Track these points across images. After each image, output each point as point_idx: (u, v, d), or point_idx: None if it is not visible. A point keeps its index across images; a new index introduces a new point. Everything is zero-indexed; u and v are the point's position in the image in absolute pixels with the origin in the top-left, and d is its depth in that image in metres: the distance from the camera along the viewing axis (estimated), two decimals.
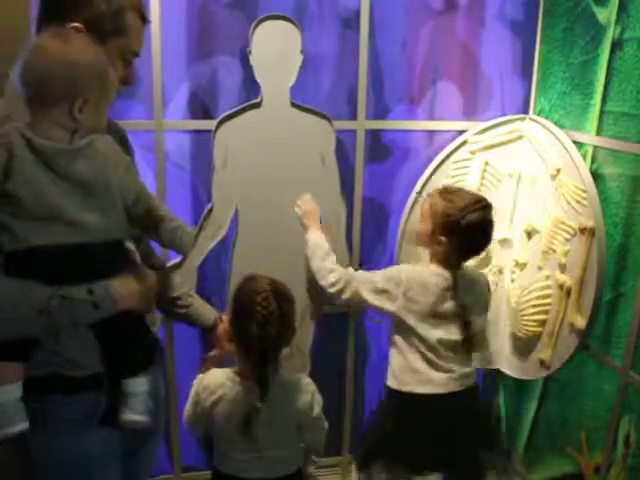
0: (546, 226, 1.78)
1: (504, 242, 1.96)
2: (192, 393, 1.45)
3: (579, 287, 1.66)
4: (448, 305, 1.60)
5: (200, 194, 1.86)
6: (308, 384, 1.46)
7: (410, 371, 1.62)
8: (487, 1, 1.89)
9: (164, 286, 1.49)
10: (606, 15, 1.64)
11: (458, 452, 1.64)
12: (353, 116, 1.87)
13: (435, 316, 1.60)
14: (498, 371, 2.08)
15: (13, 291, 1.01)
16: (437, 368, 1.61)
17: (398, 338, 1.65)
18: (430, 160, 1.93)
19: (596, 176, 1.67)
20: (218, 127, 1.73)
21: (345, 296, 1.66)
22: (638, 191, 1.56)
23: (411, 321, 1.60)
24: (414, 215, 1.86)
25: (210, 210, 1.77)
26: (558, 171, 1.74)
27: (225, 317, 1.57)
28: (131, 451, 1.28)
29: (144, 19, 1.18)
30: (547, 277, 1.78)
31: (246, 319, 1.33)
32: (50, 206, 1.00)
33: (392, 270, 1.66)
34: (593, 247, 1.62)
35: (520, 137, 1.91)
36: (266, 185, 1.79)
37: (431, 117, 1.96)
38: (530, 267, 1.87)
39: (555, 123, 1.82)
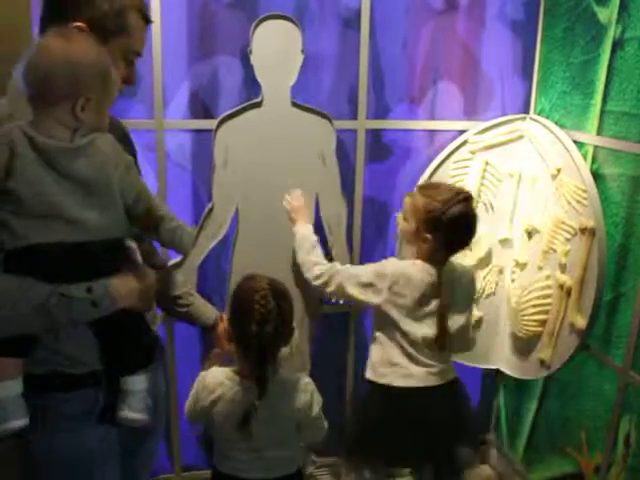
0: (546, 226, 1.78)
1: (504, 242, 1.96)
2: (193, 391, 1.45)
3: (579, 287, 1.66)
4: (433, 301, 1.60)
5: (201, 193, 1.87)
6: (307, 384, 1.45)
7: (390, 365, 1.63)
8: (488, 1, 1.90)
9: (165, 285, 1.49)
10: (607, 15, 1.64)
11: (434, 446, 1.65)
12: (354, 116, 1.87)
13: (419, 311, 1.59)
14: (498, 371, 2.09)
15: (12, 288, 1.01)
16: (417, 363, 1.61)
17: (380, 332, 1.65)
18: (430, 160, 1.94)
19: (597, 176, 1.67)
20: (219, 127, 1.73)
21: (330, 289, 1.66)
22: (638, 191, 1.56)
23: (395, 315, 1.59)
24: None
25: (211, 209, 1.78)
26: (559, 171, 1.74)
27: (226, 316, 1.57)
28: (131, 449, 1.28)
29: (146, 19, 1.19)
30: (547, 277, 1.78)
31: (245, 317, 1.33)
32: (50, 204, 1.01)
33: (377, 264, 1.65)
34: (593, 247, 1.62)
35: (521, 137, 1.91)
36: (267, 185, 1.79)
37: (432, 117, 1.96)
38: (530, 267, 1.87)
39: (556, 123, 1.82)
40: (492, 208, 1.94)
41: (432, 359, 1.62)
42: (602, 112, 1.67)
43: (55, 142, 1.01)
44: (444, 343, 1.60)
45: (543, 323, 1.80)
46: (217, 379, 1.41)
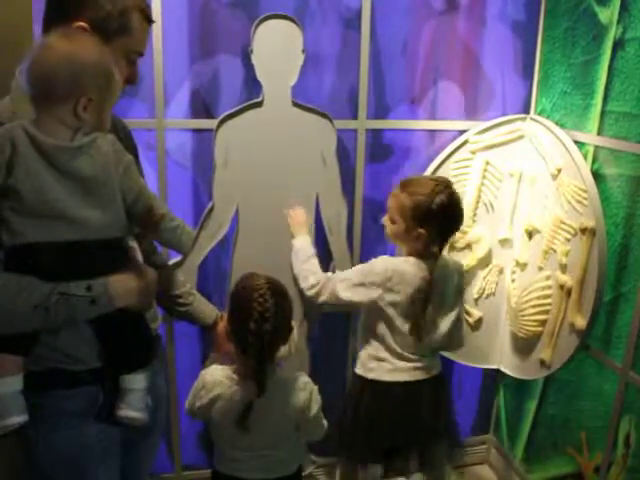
0: (547, 226, 1.78)
1: (505, 242, 1.96)
2: (193, 389, 1.46)
3: (579, 287, 1.66)
4: (425, 296, 1.59)
5: (201, 193, 1.87)
6: (306, 383, 1.45)
7: (378, 360, 1.65)
8: (488, 1, 1.89)
9: (165, 284, 1.49)
10: (608, 15, 1.64)
11: (417, 438, 1.68)
12: (354, 116, 1.87)
13: (413, 307, 1.60)
14: (498, 371, 2.09)
15: (12, 286, 1.02)
16: (403, 358, 1.63)
17: (370, 328, 1.66)
18: (431, 160, 1.94)
19: (597, 176, 1.67)
20: (219, 126, 1.73)
21: (322, 298, 1.67)
22: (639, 191, 1.57)
23: (390, 311, 1.60)
24: None
25: (211, 209, 1.77)
26: (559, 171, 1.74)
27: (225, 316, 1.57)
28: (131, 448, 1.28)
29: (149, 19, 1.19)
30: (548, 277, 1.78)
31: (243, 315, 1.34)
32: (51, 203, 1.01)
33: (366, 264, 1.66)
34: (594, 247, 1.62)
35: (521, 137, 1.91)
36: (267, 184, 1.79)
37: (432, 117, 1.96)
38: (531, 267, 1.87)
39: (556, 123, 1.82)
40: (492, 208, 1.94)
41: (417, 354, 1.64)
42: (603, 112, 1.67)
43: (56, 141, 1.01)
44: (420, 333, 1.60)
45: (543, 323, 1.80)
46: (216, 378, 1.41)
